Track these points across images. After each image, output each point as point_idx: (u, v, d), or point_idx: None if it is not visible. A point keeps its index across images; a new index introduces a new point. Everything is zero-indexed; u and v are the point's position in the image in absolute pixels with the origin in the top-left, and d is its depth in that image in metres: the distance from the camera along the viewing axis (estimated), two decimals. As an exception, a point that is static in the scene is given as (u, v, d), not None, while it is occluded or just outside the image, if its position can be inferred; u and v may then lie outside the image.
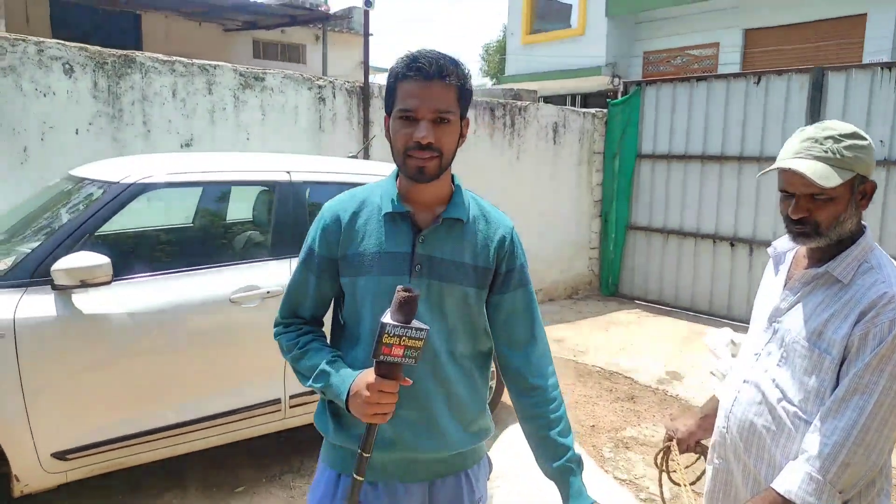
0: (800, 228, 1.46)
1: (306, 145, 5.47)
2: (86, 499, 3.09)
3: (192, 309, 2.99)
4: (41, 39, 4.21)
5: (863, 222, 1.50)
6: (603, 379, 5.10)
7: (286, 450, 3.65)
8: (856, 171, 1.41)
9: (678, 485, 1.83)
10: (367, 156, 5.65)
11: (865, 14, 11.33)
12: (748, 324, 5.67)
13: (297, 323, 1.58)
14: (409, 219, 1.46)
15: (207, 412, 3.03)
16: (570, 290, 8.03)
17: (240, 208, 4.30)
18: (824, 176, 1.38)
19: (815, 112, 6.22)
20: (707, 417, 1.82)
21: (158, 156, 3.77)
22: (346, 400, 1.37)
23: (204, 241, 4.16)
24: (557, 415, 1.52)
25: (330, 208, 1.52)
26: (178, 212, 4.42)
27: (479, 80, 34.25)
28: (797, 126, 6.30)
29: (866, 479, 1.38)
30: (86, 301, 2.72)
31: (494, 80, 30.50)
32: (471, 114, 6.72)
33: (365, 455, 1.33)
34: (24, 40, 4.10)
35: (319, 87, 5.54)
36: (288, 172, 3.42)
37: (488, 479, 1.67)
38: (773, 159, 5.71)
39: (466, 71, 1.44)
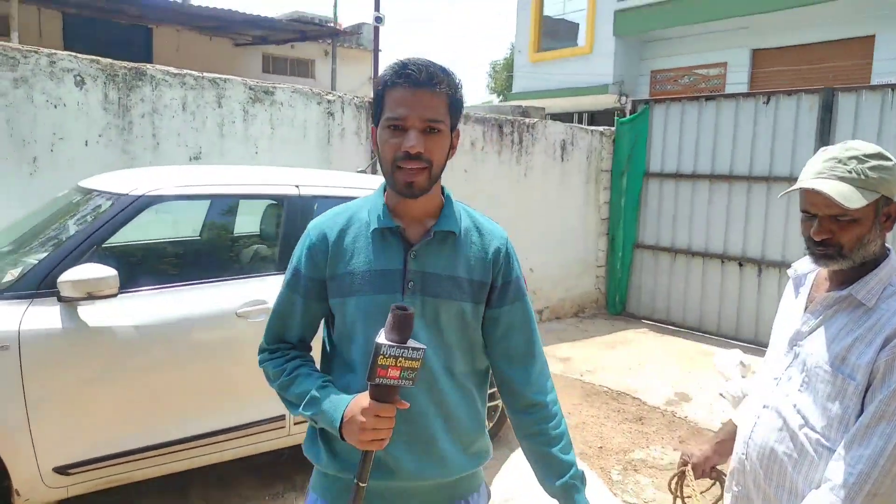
0: (822, 250, 1.43)
1: (315, 159, 5.47)
2: (86, 514, 3.05)
3: (198, 323, 2.96)
4: (53, 51, 4.23)
5: (886, 245, 1.47)
6: (610, 399, 5.04)
7: (289, 467, 3.60)
8: (880, 192, 1.38)
9: (693, 511, 1.78)
10: (375, 171, 5.65)
11: (874, 35, 11.37)
12: (756, 345, 5.59)
13: (284, 348, 1.51)
14: (399, 234, 1.40)
15: (212, 428, 2.99)
16: (576, 309, 7.98)
17: (247, 222, 4.29)
18: (848, 197, 1.35)
19: (824, 132, 6.19)
20: (723, 442, 1.78)
21: (167, 168, 3.77)
22: (340, 427, 1.30)
23: (211, 254, 4.14)
24: (559, 431, 1.48)
25: (316, 226, 1.46)
26: (185, 225, 4.41)
27: (485, 97, 34.39)
28: (807, 146, 6.30)
29: (893, 510, 1.34)
30: (92, 313, 2.70)
31: (501, 97, 30.64)
32: (479, 130, 6.78)
33: (361, 485, 1.26)
34: (36, 52, 4.12)
35: (329, 101, 5.54)
36: (297, 186, 3.41)
37: None
38: (782, 179, 5.68)
39: (457, 80, 1.39)
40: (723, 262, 7.02)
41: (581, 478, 1.46)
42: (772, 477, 1.49)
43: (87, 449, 2.71)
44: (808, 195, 1.43)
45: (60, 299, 2.64)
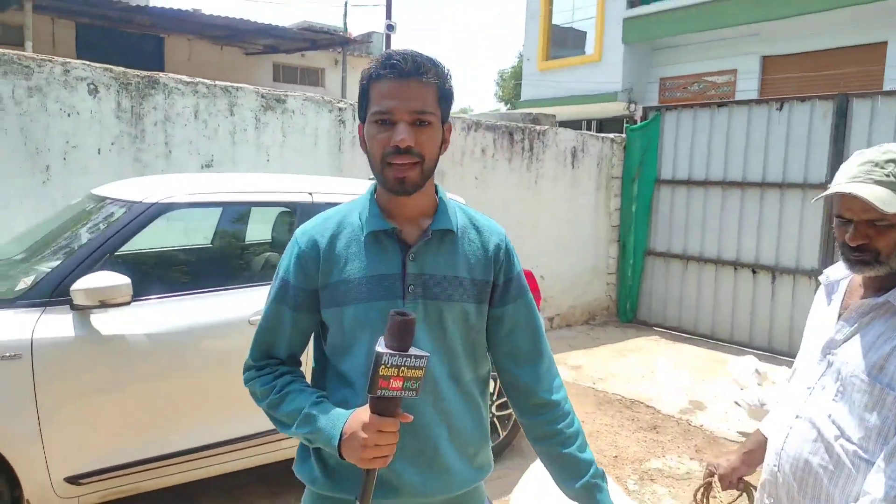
0: (858, 256, 1.39)
1: (326, 167, 5.46)
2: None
3: (210, 331, 2.94)
4: (67, 60, 4.24)
5: None
6: (624, 408, 4.98)
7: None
8: None
9: (720, 524, 1.73)
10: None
11: (886, 42, 11.29)
12: (770, 353, 5.53)
13: (272, 364, 1.41)
14: (395, 236, 1.33)
15: (224, 437, 2.96)
16: (587, 316, 7.93)
17: (259, 229, 4.27)
18: (886, 201, 1.31)
19: (839, 138, 6.14)
20: (751, 452, 1.73)
21: (180, 176, 3.76)
22: (339, 445, 1.22)
23: (224, 262, 4.12)
24: (573, 430, 1.42)
25: (304, 233, 1.37)
26: (196, 232, 4.40)
27: (493, 105, 34.42)
28: (821, 152, 6.24)
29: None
30: (104, 322, 2.68)
31: (509, 105, 30.68)
32: (489, 138, 6.76)
33: None
34: (50, 61, 4.13)
35: (340, 109, 5.54)
36: (310, 194, 3.39)
37: None
38: (796, 186, 5.63)
39: (446, 70, 1.31)
40: (736, 269, 6.95)
41: (602, 476, 1.41)
42: (806, 489, 1.45)
43: (99, 459, 2.68)
44: (844, 200, 1.39)
45: (73, 307, 2.62)
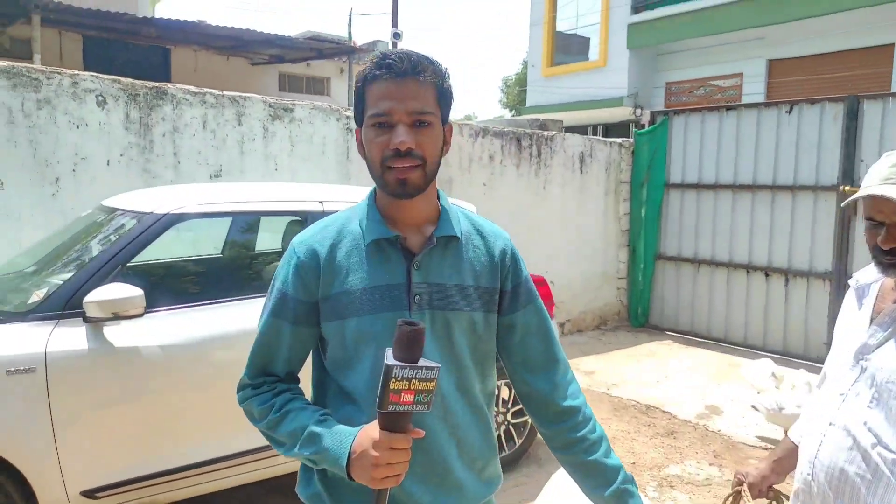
0: (891, 259, 1.35)
1: (334, 175, 5.45)
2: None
3: (224, 341, 2.91)
4: (76, 72, 4.24)
5: None
6: (640, 413, 4.93)
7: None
8: None
9: (750, 534, 1.69)
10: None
11: (893, 44, 11.23)
12: (785, 356, 5.45)
13: (270, 381, 1.34)
14: (399, 244, 1.28)
15: (240, 448, 2.93)
16: (598, 321, 7.87)
17: (268, 238, 4.25)
18: (920, 202, 1.28)
19: (850, 140, 6.08)
20: (781, 460, 1.70)
21: (190, 186, 3.75)
22: (348, 464, 1.15)
23: (236, 271, 4.11)
24: (596, 435, 1.37)
25: (303, 243, 1.31)
26: (206, 242, 4.39)
27: (497, 111, 34.47)
28: (832, 155, 6.20)
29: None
30: (118, 334, 2.66)
31: (514, 111, 30.70)
32: (497, 144, 6.74)
33: None
34: (59, 73, 4.13)
35: (347, 117, 5.53)
36: (321, 202, 3.37)
37: None
38: (807, 188, 5.58)
39: (444, 69, 1.27)
40: (748, 272, 6.89)
41: (632, 481, 1.36)
42: (843, 499, 1.40)
43: (115, 472, 2.65)
44: (875, 202, 1.36)
45: (86, 320, 2.60)
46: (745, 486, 1.72)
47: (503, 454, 3.74)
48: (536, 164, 7.05)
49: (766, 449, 4.33)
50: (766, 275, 6.74)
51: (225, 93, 4.88)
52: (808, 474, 1.49)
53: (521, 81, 27.63)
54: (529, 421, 3.89)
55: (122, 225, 2.98)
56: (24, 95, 3.98)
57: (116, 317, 2.61)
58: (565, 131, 7.97)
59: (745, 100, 12.84)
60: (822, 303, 6.30)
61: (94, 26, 12.02)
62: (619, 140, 7.97)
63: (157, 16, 14.94)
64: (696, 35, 13.56)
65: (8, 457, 2.43)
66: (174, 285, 3.72)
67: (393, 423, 1.09)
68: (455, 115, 1.37)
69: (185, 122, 4.64)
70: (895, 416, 1.34)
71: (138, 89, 4.44)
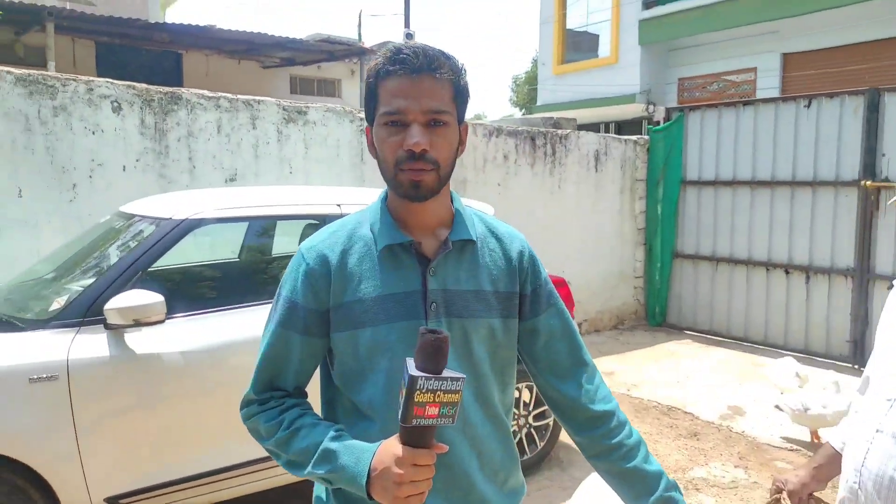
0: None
1: (348, 177, 5.43)
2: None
3: (245, 347, 2.89)
4: (91, 78, 4.24)
5: None
6: (661, 415, 4.86)
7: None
8: None
9: (792, 542, 1.64)
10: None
11: (910, 35, 11.07)
12: (808, 354, 5.36)
13: (277, 397, 1.26)
14: (413, 249, 1.22)
15: (262, 454, 2.91)
16: (615, 321, 7.81)
17: (285, 242, 4.24)
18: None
19: (871, 134, 5.98)
20: (821, 467, 1.64)
21: (207, 191, 3.74)
22: (368, 483, 1.07)
23: (255, 276, 4.09)
24: (634, 439, 1.31)
25: (312, 249, 1.24)
26: (223, 247, 4.38)
27: (508, 110, 34.41)
28: (853, 148, 6.09)
29: None
30: (139, 341, 2.65)
31: (525, 110, 30.62)
32: (511, 144, 6.69)
33: None
34: (74, 80, 4.13)
35: (361, 119, 5.50)
36: (338, 205, 3.34)
37: None
38: (828, 184, 5.49)
39: (460, 65, 1.20)
40: (768, 269, 6.80)
41: (676, 487, 1.30)
42: (894, 508, 1.35)
43: (138, 478, 2.64)
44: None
45: (107, 327, 2.59)
46: (784, 494, 1.67)
47: (525, 458, 3.69)
48: (551, 164, 7.00)
49: (791, 450, 4.25)
50: (787, 272, 6.64)
51: (239, 97, 4.87)
52: (855, 482, 1.44)
53: (532, 80, 27.55)
54: (551, 424, 3.85)
55: (141, 231, 2.97)
56: (40, 103, 3.99)
57: (137, 323, 2.59)
58: (578, 129, 7.90)
59: (760, 94, 12.71)
60: (845, 300, 6.20)
61: (106, 32, 12.09)
62: (633, 137, 7.90)
63: (168, 21, 15.02)
64: (708, 30, 13.43)
65: (32, 464, 2.42)
66: (193, 291, 3.71)
67: (417, 438, 1.03)
68: (466, 115, 1.35)
69: (199, 127, 4.63)
70: (949, 421, 1.28)
71: (153, 94, 4.44)
